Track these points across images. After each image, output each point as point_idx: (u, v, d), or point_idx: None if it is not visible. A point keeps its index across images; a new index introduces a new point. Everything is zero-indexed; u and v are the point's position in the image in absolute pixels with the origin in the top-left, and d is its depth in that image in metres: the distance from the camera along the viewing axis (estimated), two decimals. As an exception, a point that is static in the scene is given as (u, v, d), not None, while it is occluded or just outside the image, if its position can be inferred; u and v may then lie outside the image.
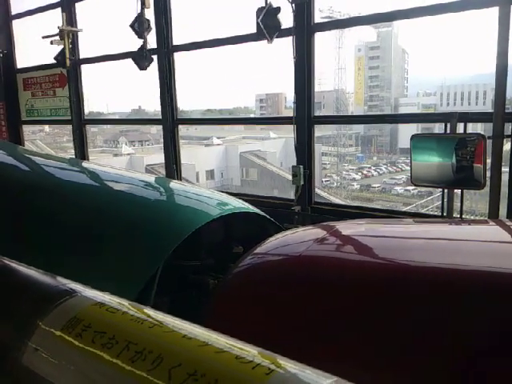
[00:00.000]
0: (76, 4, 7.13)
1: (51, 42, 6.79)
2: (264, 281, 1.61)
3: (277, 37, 4.57)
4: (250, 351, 0.53)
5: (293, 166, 4.84)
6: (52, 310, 0.64)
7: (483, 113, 4.16)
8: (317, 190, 5.20)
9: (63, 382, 0.58)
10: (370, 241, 1.78)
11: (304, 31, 4.64)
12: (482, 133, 3.37)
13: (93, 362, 0.58)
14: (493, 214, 3.39)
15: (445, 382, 1.09)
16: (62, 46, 6.78)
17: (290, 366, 0.50)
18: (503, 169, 3.39)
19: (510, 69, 3.28)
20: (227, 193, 3.13)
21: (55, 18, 7.03)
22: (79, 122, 7.41)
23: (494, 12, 3.33)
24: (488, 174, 3.30)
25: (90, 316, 0.63)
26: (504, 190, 3.41)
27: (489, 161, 3.33)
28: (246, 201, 2.65)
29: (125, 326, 0.60)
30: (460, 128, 3.64)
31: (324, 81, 21.37)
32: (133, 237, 2.13)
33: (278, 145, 19.56)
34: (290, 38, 4.67)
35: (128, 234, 2.15)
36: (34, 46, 8.53)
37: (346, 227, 1.95)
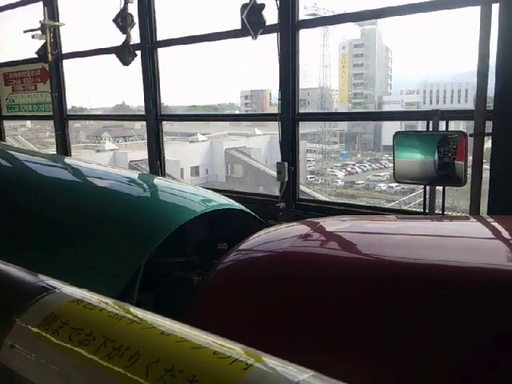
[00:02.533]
0: (58, -2, 7.03)
1: (33, 37, 6.68)
2: (248, 277, 1.61)
3: (261, 33, 4.56)
4: (228, 347, 0.53)
5: (277, 163, 4.85)
6: (29, 307, 0.64)
7: (465, 110, 4.21)
8: (301, 187, 5.21)
9: (40, 379, 0.58)
10: (353, 237, 1.79)
11: (289, 28, 4.64)
12: (464, 130, 3.41)
13: (70, 358, 0.57)
14: (474, 211, 3.43)
15: (427, 377, 1.10)
16: (43, 41, 6.68)
17: (268, 360, 0.51)
18: (484, 166, 3.44)
19: (491, 67, 3.32)
20: (212, 189, 3.12)
21: (37, 12, 6.93)
22: (61, 117, 7.32)
23: (475, 11, 3.37)
24: (469, 171, 3.35)
25: (68, 313, 0.62)
26: (485, 187, 3.45)
27: (470, 158, 3.37)
28: (230, 197, 2.65)
29: (102, 322, 0.60)
30: (442, 126, 3.68)
31: (309, 78, 21.46)
32: (116, 234, 2.12)
33: (263, 141, 19.57)
34: (275, 34, 4.66)
35: (111, 231, 2.13)
36: (14, 41, 8.38)
37: (330, 223, 1.96)
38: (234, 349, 0.53)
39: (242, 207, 2.52)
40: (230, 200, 2.58)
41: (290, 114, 4.74)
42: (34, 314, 0.63)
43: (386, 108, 22.46)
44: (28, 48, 6.97)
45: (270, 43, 4.75)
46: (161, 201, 2.57)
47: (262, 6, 4.48)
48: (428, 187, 3.71)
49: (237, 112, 23.72)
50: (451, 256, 1.39)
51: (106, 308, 0.63)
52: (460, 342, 1.10)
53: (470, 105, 18.48)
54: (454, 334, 1.12)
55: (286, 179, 4.77)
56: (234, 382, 0.48)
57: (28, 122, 18.39)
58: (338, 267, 1.46)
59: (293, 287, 1.45)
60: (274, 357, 0.50)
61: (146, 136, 6.29)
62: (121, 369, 0.53)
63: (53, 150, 8.01)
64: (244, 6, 4.46)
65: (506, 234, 1.70)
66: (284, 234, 1.91)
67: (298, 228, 1.96)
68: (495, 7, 3.28)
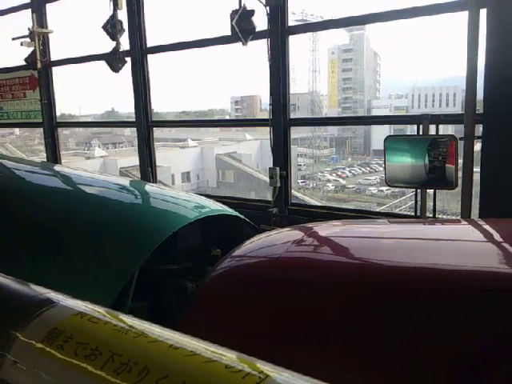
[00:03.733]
0: (47, 5, 6.99)
1: (21, 44, 6.64)
2: (243, 283, 1.60)
3: (251, 39, 4.57)
4: (240, 360, 0.52)
5: (269, 168, 4.85)
6: (31, 322, 0.62)
7: (455, 114, 4.25)
8: (293, 192, 5.22)
9: (45, 396, 0.56)
10: (348, 242, 1.80)
11: (278, 34, 4.66)
12: (454, 134, 3.44)
13: (76, 374, 0.56)
14: (465, 214, 3.46)
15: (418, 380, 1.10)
16: (32, 48, 6.64)
17: (281, 373, 0.50)
18: (474, 169, 3.47)
19: (480, 71, 3.35)
20: (204, 195, 3.11)
21: (25, 20, 6.89)
22: (51, 124, 7.27)
23: (463, 16, 3.42)
24: (460, 174, 3.38)
25: (71, 327, 0.61)
26: (475, 189, 3.48)
27: (460, 161, 3.40)
28: (222, 203, 2.64)
29: (108, 336, 0.59)
30: (432, 130, 3.71)
31: (298, 83, 21.54)
32: (108, 241, 2.10)
33: (254, 147, 19.58)
34: (265, 40, 4.68)
35: (103, 239, 2.11)
36: (2, 48, 8.32)
37: (324, 228, 1.96)
38: (246, 362, 0.52)
39: (235, 213, 2.51)
40: (223, 206, 2.57)
41: (281, 119, 4.75)
42: (36, 329, 0.62)
43: (375, 112, 22.59)
44: (17, 55, 6.93)
45: (260, 49, 4.77)
46: (153, 208, 2.55)
47: (252, 12, 4.50)
48: (419, 190, 3.74)
49: (227, 117, 23.73)
50: (445, 260, 1.39)
51: (111, 321, 0.62)
52: (452, 344, 1.10)
53: (458, 109, 18.67)
54: (448, 337, 1.12)
55: (279, 184, 4.77)
56: None
57: (17, 130, 18.24)
58: (333, 272, 1.46)
59: (288, 293, 1.45)
60: (287, 369, 0.50)
61: (136, 142, 6.27)
62: (129, 384, 0.52)
63: (42, 158, 7.95)
64: (234, 12, 4.47)
65: (497, 236, 1.72)
66: (278, 240, 1.90)
67: (292, 233, 1.96)
68: (483, 12, 3.33)
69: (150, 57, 5.96)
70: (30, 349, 0.60)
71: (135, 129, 6.16)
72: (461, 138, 3.35)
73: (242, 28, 4.46)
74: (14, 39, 6.75)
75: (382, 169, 3.72)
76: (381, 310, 1.25)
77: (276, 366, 0.50)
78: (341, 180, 20.90)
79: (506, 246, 1.58)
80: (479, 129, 3.54)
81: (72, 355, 0.57)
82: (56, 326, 0.60)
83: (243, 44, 4.57)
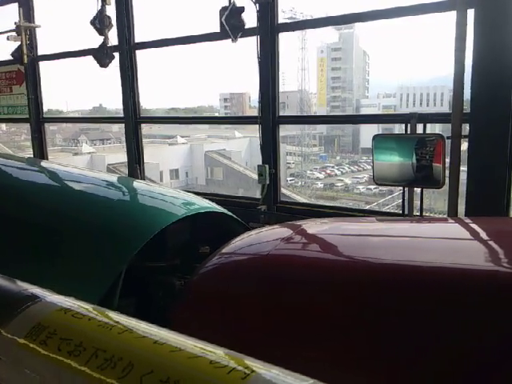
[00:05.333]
0: (34, -1, 6.91)
1: (7, 38, 6.55)
2: (231, 281, 1.61)
3: (241, 36, 4.56)
4: (225, 355, 0.52)
5: (258, 166, 4.85)
6: (14, 317, 0.61)
7: (442, 114, 4.28)
8: (282, 189, 5.23)
9: (28, 392, 0.56)
10: (335, 239, 1.81)
11: (268, 31, 4.65)
12: (441, 133, 3.47)
13: (59, 370, 0.55)
14: (452, 212, 3.49)
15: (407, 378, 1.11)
16: (18, 43, 6.55)
17: (266, 369, 0.50)
18: (461, 168, 3.50)
19: (467, 71, 3.38)
20: (193, 192, 3.10)
21: (12, 13, 6.80)
22: (38, 120, 7.19)
23: (451, 16, 3.44)
24: (447, 173, 3.41)
25: (55, 322, 0.60)
26: (462, 188, 3.51)
27: (447, 160, 3.43)
28: (211, 200, 2.64)
29: (92, 332, 0.58)
30: (419, 128, 3.74)
31: (287, 81, 21.55)
32: (96, 238, 2.08)
33: (243, 144, 19.56)
34: (254, 37, 4.67)
35: (90, 236, 2.10)
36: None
37: (312, 226, 1.97)
38: (231, 357, 0.51)
39: (224, 210, 2.51)
40: (212, 203, 2.57)
41: (270, 117, 4.75)
42: (19, 325, 0.61)
43: (364, 111, 22.70)
44: (3, 50, 6.83)
45: (249, 46, 4.76)
46: (141, 204, 2.54)
47: (242, 8, 4.49)
48: (407, 189, 3.77)
49: (216, 115, 23.65)
50: (431, 257, 1.41)
51: (96, 317, 0.61)
52: (444, 343, 1.11)
53: (445, 108, 18.82)
54: (439, 335, 1.13)
55: (267, 182, 4.77)
56: None
57: (3, 125, 18.01)
58: (322, 269, 1.47)
59: (276, 290, 1.45)
60: (272, 365, 0.50)
61: (124, 139, 6.23)
62: (114, 380, 0.51)
63: (29, 153, 7.86)
64: (223, 9, 4.46)
65: (482, 234, 1.74)
66: (266, 237, 1.91)
67: (280, 231, 1.97)
68: (470, 12, 3.35)
69: (138, 52, 5.92)
70: (13, 344, 0.59)
71: (123, 125, 6.12)
72: (448, 137, 3.38)
73: (231, 25, 4.45)
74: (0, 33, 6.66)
75: (370, 167, 3.74)
76: (368, 307, 1.26)
77: (261, 362, 0.50)
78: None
79: (491, 243, 1.60)
80: (466, 128, 3.57)
81: (55, 351, 0.56)
82: (39, 322, 0.60)
83: (232, 41, 4.55)
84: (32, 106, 7.09)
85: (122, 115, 6.12)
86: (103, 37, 5.50)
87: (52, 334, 0.58)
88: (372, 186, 18.01)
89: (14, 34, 6.53)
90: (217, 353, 0.53)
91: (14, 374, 0.58)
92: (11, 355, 0.59)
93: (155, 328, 0.59)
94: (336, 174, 21.53)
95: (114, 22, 5.57)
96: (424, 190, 3.78)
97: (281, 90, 4.94)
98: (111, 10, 5.57)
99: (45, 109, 7.40)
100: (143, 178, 6.14)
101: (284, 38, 4.89)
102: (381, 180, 3.72)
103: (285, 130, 18.49)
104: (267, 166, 4.77)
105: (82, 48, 6.41)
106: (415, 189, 3.75)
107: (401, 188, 3.93)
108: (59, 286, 0.82)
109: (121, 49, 5.78)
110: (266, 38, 4.66)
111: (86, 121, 14.84)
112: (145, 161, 6.27)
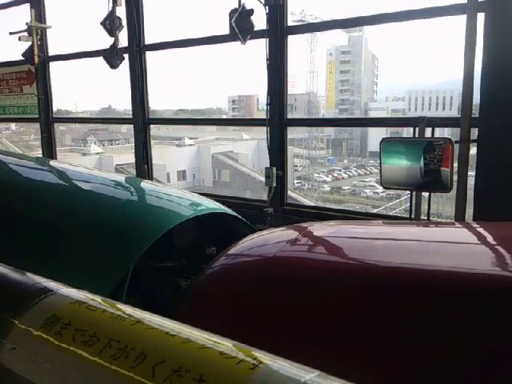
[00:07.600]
0: (45, 0, 6.97)
1: (19, 39, 6.62)
2: (237, 282, 1.61)
3: (250, 38, 4.58)
4: (234, 347, 0.53)
5: (266, 168, 4.86)
6: (29, 309, 0.63)
7: (451, 118, 4.27)
8: (289, 192, 5.23)
9: (43, 381, 0.57)
10: (342, 242, 1.81)
11: (277, 33, 4.67)
12: (449, 137, 3.46)
13: (73, 360, 0.57)
14: (459, 217, 3.48)
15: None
16: (30, 43, 6.62)
17: (274, 360, 0.51)
18: (469, 172, 3.48)
19: (477, 75, 3.37)
20: (199, 193, 3.11)
21: (24, 14, 6.87)
22: (47, 120, 7.25)
23: (461, 20, 3.44)
24: (455, 177, 3.40)
25: (70, 314, 0.62)
26: (470, 193, 3.50)
27: (456, 164, 3.42)
28: (218, 202, 2.65)
29: (106, 323, 0.60)
30: (428, 132, 3.73)
31: (296, 84, 21.54)
32: (103, 237, 2.10)
33: (251, 146, 19.57)
34: (263, 39, 4.69)
35: (98, 235, 2.11)
36: (0, 42, 8.29)
37: (319, 228, 1.97)
38: (240, 349, 0.53)
39: (231, 211, 2.52)
40: (218, 204, 2.58)
41: (278, 119, 4.76)
42: (35, 316, 0.62)
43: (372, 114, 22.63)
44: (14, 50, 6.90)
45: (258, 48, 4.78)
46: (149, 205, 2.55)
47: (251, 11, 4.51)
48: (414, 193, 3.76)
49: (224, 117, 23.71)
50: (439, 261, 1.40)
51: (109, 309, 0.63)
52: (442, 346, 1.12)
53: (454, 112, 18.72)
54: (438, 339, 1.13)
55: (274, 184, 4.78)
56: (241, 382, 0.48)
57: (13, 125, 18.16)
58: (329, 272, 1.47)
59: (282, 291, 1.45)
60: (279, 357, 0.51)
61: (132, 140, 6.26)
62: (126, 370, 0.53)
63: (38, 153, 7.92)
64: (233, 11, 4.48)
65: (491, 239, 1.73)
66: (273, 239, 1.91)
67: (287, 233, 1.97)
68: (480, 16, 3.35)
69: (148, 54, 5.96)
70: (28, 335, 0.61)
71: (132, 126, 6.15)
72: (456, 142, 3.37)
73: (240, 27, 4.47)
74: (11, 33, 6.72)
75: (377, 171, 3.72)
76: (376, 310, 1.26)
77: (269, 354, 0.51)
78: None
79: (500, 248, 1.60)
80: (475, 132, 3.56)
81: (70, 341, 0.58)
82: (54, 313, 0.61)
83: (242, 43, 4.57)
84: (42, 106, 7.15)
85: (130, 116, 6.16)
86: (113, 38, 5.55)
87: (67, 325, 0.60)
88: (379, 190, 17.93)
89: (25, 34, 6.60)
90: (226, 344, 0.55)
91: (29, 363, 0.59)
92: (26, 346, 0.60)
93: (167, 320, 0.61)
94: (343, 178, 21.47)
95: (124, 23, 5.62)
96: (432, 194, 3.76)
97: (289, 92, 4.95)
98: (121, 12, 5.62)
99: (54, 109, 7.46)
100: (151, 178, 6.17)
101: (293, 41, 4.91)
102: (388, 184, 3.71)
103: (292, 133, 18.50)
104: (274, 168, 4.77)
105: (92, 49, 6.46)
106: (423, 193, 3.74)
107: (408, 192, 3.91)
108: (68, 283, 0.83)
109: (130, 50, 5.82)
110: (275, 41, 4.68)
111: (95, 121, 14.94)
112: (153, 162, 6.30)
